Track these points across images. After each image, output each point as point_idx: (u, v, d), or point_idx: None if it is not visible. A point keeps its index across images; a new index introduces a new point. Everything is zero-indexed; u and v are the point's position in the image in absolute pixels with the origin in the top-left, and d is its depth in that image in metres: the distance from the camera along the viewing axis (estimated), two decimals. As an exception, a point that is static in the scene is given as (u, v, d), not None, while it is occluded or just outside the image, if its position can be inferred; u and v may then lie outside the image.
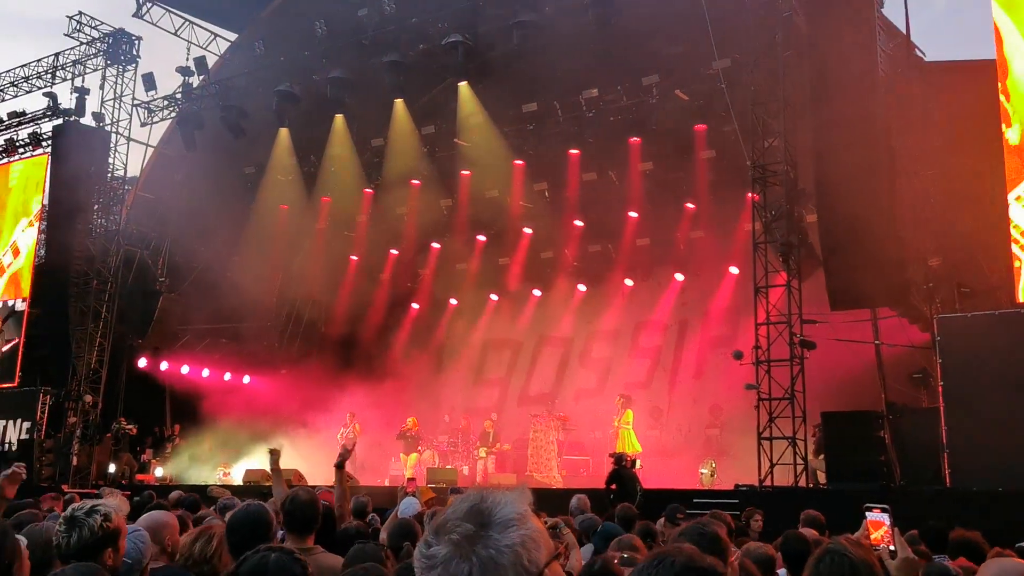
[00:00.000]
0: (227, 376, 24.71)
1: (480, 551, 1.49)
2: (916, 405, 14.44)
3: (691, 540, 2.76)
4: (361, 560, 3.73)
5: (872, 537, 3.16)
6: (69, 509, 3.71)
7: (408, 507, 8.29)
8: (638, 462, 14.15)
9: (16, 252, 24.38)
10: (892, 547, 3.05)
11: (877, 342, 14.53)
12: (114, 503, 3.84)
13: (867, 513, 3.23)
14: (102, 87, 23.50)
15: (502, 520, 1.53)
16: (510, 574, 1.50)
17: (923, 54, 15.74)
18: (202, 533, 4.51)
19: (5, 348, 23.21)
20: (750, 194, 15.63)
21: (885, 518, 3.13)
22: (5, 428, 21.78)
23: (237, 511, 4.37)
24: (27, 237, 24.16)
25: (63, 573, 3.28)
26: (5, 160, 25.19)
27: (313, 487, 12.05)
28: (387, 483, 19.42)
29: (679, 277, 21.45)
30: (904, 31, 14.96)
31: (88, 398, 21.67)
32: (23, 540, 4.11)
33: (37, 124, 24.43)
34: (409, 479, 13.29)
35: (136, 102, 23.33)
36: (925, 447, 12.78)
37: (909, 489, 12.53)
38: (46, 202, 23.61)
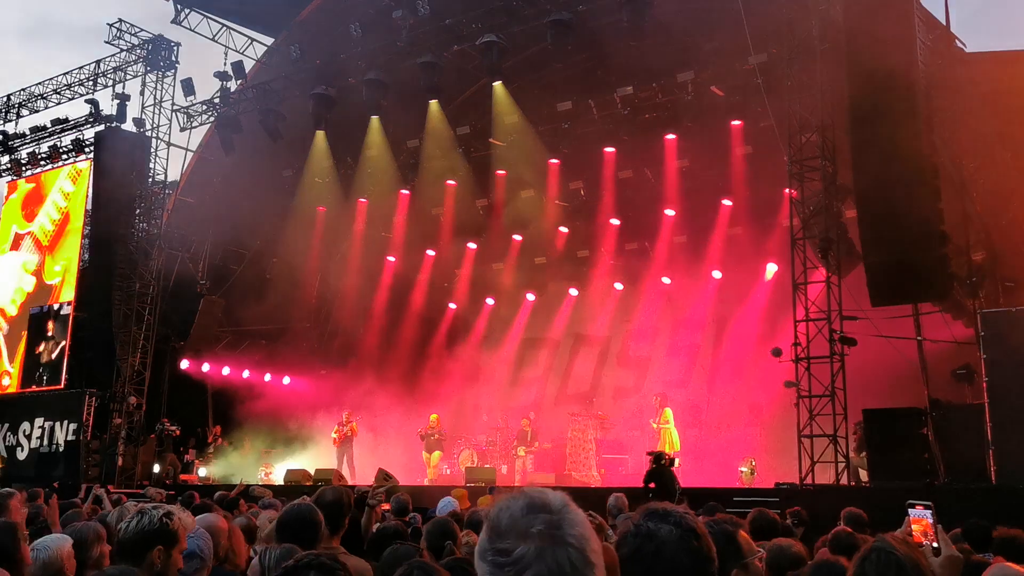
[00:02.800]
0: (267, 377, 24.97)
1: (571, 531, 1.50)
2: (960, 401, 14.22)
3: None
4: (396, 561, 3.76)
5: (915, 534, 3.12)
6: (141, 504, 3.82)
7: (445, 507, 8.34)
8: (677, 460, 14.11)
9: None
10: (935, 544, 3.01)
11: (919, 338, 14.33)
12: (185, 517, 3.93)
13: (910, 510, 3.19)
14: (142, 93, 23.89)
15: (560, 504, 1.55)
16: (595, 546, 1.52)
17: (963, 45, 15.49)
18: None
19: (55, 351, 23.66)
20: (788, 190, 15.50)
21: (928, 515, 3.09)
22: (53, 429, 22.18)
23: (286, 510, 4.43)
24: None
25: (102, 574, 3.37)
26: (49, 166, 25.69)
27: (352, 487, 12.15)
28: (426, 483, 19.50)
29: (717, 274, 21.29)
30: (944, 22, 14.73)
31: (132, 400, 22.02)
32: (68, 540, 4.20)
33: (80, 130, 24.89)
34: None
35: (176, 107, 23.68)
36: (970, 444, 12.57)
37: (953, 487, 12.34)
38: (89, 207, 24.02)
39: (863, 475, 14.03)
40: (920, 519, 3.12)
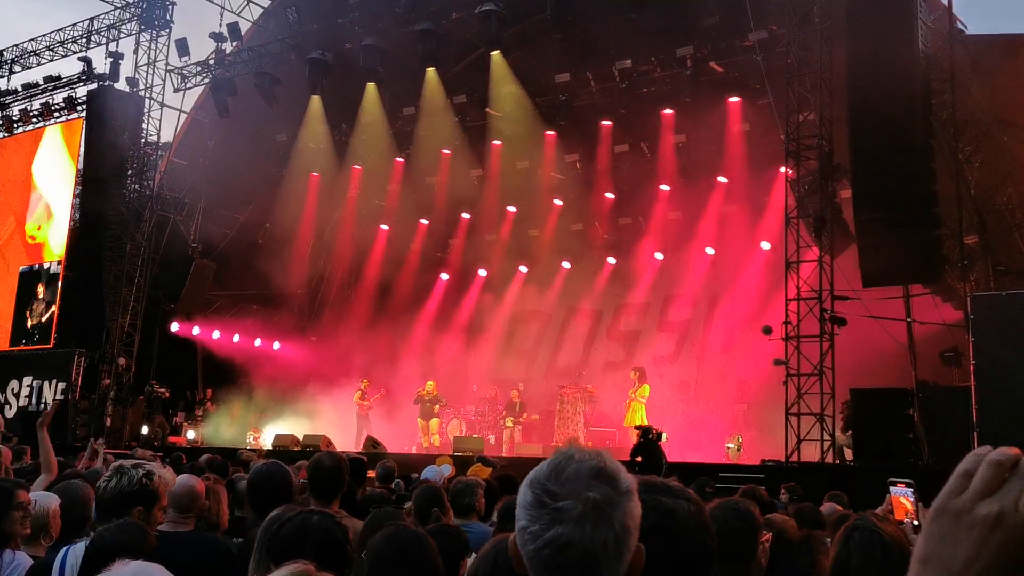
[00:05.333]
0: (257, 342, 24.97)
1: (620, 518, 1.47)
2: (947, 383, 14.31)
3: (724, 517, 2.74)
4: (379, 522, 3.78)
5: (896, 512, 3.14)
6: (120, 461, 3.81)
7: (429, 474, 8.38)
8: (664, 435, 14.17)
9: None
10: (916, 522, 3.02)
11: (909, 319, 14.38)
12: (165, 473, 3.92)
13: (891, 488, 3.21)
14: (136, 52, 23.62)
15: (627, 488, 1.51)
16: (631, 544, 1.49)
17: (964, 27, 15.43)
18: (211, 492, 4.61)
19: (46, 312, 23.58)
20: (784, 168, 15.48)
21: (909, 493, 3.11)
22: (41, 388, 22.16)
23: (257, 469, 4.43)
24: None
25: (107, 530, 3.37)
26: (41, 124, 25.46)
27: (343, 453, 12.19)
28: (414, 451, 19.58)
29: (710, 251, 21.30)
30: (945, 3, 14.66)
31: (122, 361, 21.99)
32: (56, 499, 4.21)
33: (72, 88, 24.64)
34: None
35: (169, 67, 23.43)
36: (955, 426, 12.66)
37: (936, 467, 12.44)
38: (80, 166, 23.85)
39: (848, 454, 14.14)
40: (901, 497, 3.14)
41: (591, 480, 1.48)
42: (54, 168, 24.77)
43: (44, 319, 23.52)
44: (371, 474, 9.29)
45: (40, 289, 23.86)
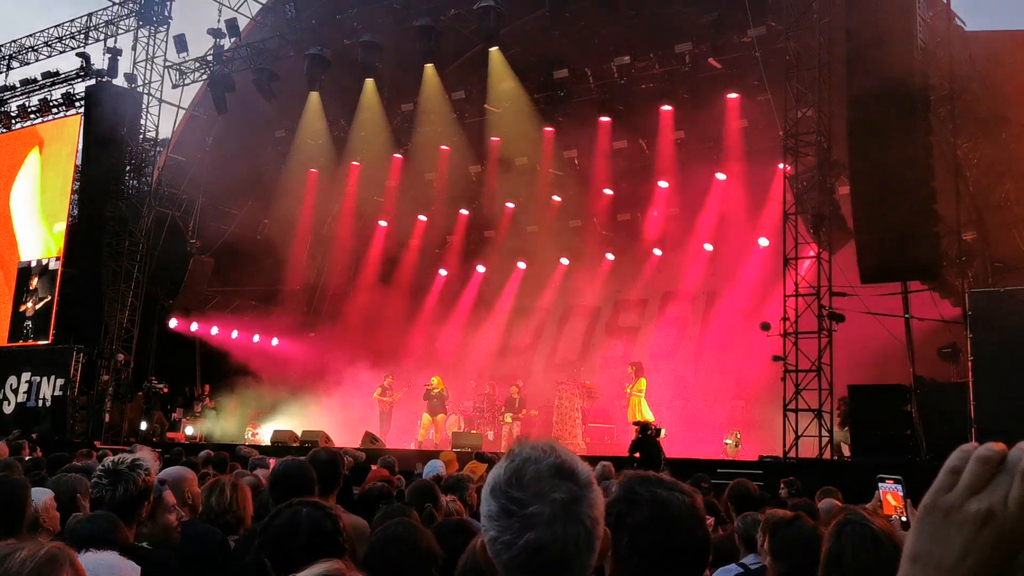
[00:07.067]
0: (256, 338, 24.96)
1: (588, 512, 1.51)
2: (945, 380, 14.31)
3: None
4: (385, 519, 3.79)
5: (884, 507, 3.14)
6: (108, 462, 3.76)
7: (431, 470, 8.39)
8: (663, 431, 14.16)
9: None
10: (904, 518, 3.02)
11: (907, 316, 14.38)
12: (148, 458, 3.90)
13: (880, 483, 3.21)
14: (134, 48, 23.55)
15: (587, 480, 1.54)
16: (599, 532, 1.53)
17: (963, 23, 15.40)
18: (214, 486, 4.60)
19: (39, 306, 23.57)
20: (782, 164, 15.48)
21: (898, 488, 3.11)
22: (40, 384, 22.15)
23: (279, 465, 4.44)
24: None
25: (80, 522, 3.36)
26: (39, 120, 25.42)
27: (340, 449, 12.20)
28: (412, 446, 19.58)
29: (708, 247, 21.31)
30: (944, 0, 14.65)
31: (120, 357, 21.97)
32: (47, 492, 4.20)
33: (70, 84, 24.59)
34: None
35: (168, 63, 23.37)
36: (953, 422, 12.67)
37: (935, 464, 12.40)
38: (79, 162, 23.82)
39: (845, 450, 14.15)
40: (890, 492, 3.14)
41: (553, 479, 1.51)
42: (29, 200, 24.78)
43: (39, 307, 23.48)
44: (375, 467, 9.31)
45: (34, 281, 23.85)
